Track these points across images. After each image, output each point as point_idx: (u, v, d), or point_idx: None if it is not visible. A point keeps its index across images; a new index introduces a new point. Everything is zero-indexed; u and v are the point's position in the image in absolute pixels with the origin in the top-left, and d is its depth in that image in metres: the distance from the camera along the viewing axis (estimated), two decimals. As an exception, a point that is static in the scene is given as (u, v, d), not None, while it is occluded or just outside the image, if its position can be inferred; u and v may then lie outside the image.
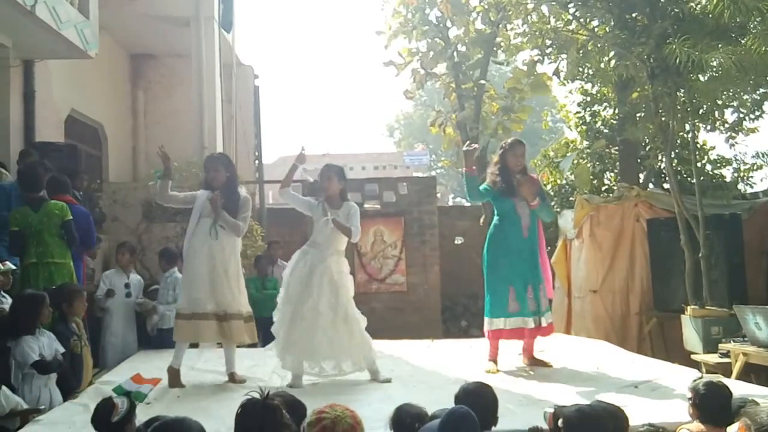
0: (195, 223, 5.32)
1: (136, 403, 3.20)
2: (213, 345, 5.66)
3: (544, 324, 5.62)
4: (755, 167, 10.80)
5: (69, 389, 4.81)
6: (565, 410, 2.79)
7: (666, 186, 9.58)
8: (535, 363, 5.70)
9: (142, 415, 3.39)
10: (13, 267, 5.08)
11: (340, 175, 5.49)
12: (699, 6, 7.49)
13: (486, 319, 5.67)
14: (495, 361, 5.59)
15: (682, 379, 5.09)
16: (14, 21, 6.52)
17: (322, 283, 5.25)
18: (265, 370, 5.70)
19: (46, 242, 5.57)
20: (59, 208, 5.72)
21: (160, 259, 7.21)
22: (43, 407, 4.45)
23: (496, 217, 5.71)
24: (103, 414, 3.06)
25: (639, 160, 10.80)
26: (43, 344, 4.67)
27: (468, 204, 13.47)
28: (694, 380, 3.22)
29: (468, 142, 6.27)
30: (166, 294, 6.90)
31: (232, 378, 5.33)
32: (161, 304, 6.90)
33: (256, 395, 2.44)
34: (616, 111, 10.92)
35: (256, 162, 12.35)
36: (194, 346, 5.66)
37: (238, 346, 5.52)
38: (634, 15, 8.35)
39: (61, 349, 4.82)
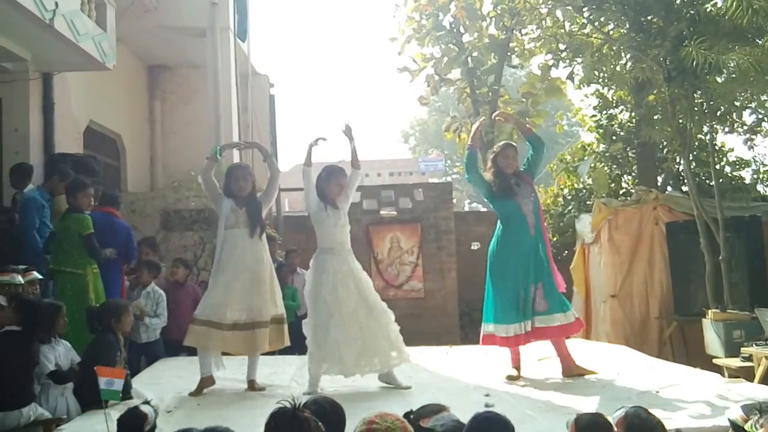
0: (222, 236, 5.36)
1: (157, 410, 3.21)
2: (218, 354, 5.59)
3: (567, 321, 5.45)
4: (774, 169, 10.71)
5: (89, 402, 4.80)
6: (629, 412, 2.76)
7: (684, 189, 9.52)
8: (577, 372, 5.48)
9: (162, 423, 3.41)
10: (40, 276, 5.15)
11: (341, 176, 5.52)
12: (715, 7, 7.44)
13: (497, 326, 5.46)
14: (518, 368, 5.53)
15: (704, 383, 5.04)
16: (33, 34, 6.61)
17: (349, 284, 5.28)
18: (283, 377, 5.71)
19: (64, 250, 5.79)
20: (78, 220, 5.86)
21: (145, 270, 6.87)
22: (65, 417, 4.49)
23: (500, 222, 5.67)
24: (130, 424, 3.05)
25: (657, 163, 10.73)
26: (59, 354, 4.69)
27: (484, 209, 13.45)
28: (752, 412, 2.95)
29: (481, 119, 6.31)
30: (160, 309, 6.74)
31: (252, 386, 5.34)
32: (151, 316, 6.73)
33: (287, 405, 2.41)
34: (633, 114, 10.86)
35: (272, 170, 12.39)
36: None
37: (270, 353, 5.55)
38: (649, 17, 8.31)
39: (77, 359, 4.85)
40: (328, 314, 5.22)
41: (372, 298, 5.37)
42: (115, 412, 3.54)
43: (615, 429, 2.76)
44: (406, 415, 2.81)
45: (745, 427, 2.80)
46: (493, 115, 6.31)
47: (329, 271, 5.28)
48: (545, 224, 5.80)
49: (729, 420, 2.98)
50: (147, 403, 3.37)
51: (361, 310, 5.27)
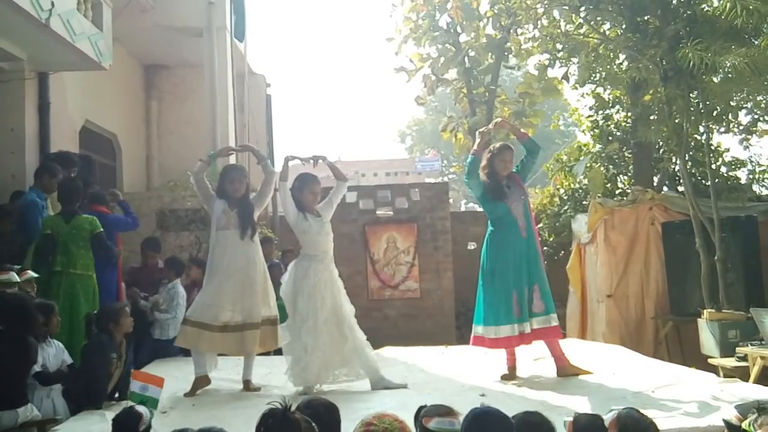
0: (214, 237, 5.39)
1: (152, 411, 3.22)
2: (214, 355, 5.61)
3: (553, 324, 5.52)
4: (770, 169, 10.73)
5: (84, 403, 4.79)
6: (621, 414, 2.76)
7: (680, 189, 9.53)
8: (572, 372, 5.50)
9: (157, 424, 3.40)
10: (35, 275, 5.15)
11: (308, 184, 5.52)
12: (711, 7, 7.45)
13: (487, 328, 5.48)
14: (513, 368, 5.54)
15: (699, 383, 5.05)
16: (29, 34, 6.59)
17: (325, 293, 5.32)
18: (280, 378, 5.69)
19: (71, 252, 5.82)
20: (89, 222, 5.97)
21: (168, 268, 7.11)
22: (59, 417, 4.48)
23: (490, 225, 5.68)
24: (125, 424, 3.04)
25: (653, 163, 10.75)
26: (49, 355, 4.67)
27: (481, 209, 13.47)
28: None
29: (486, 128, 6.32)
30: (170, 305, 6.84)
31: (247, 386, 5.35)
32: (164, 312, 6.84)
33: (278, 405, 2.41)
34: (629, 114, 10.88)
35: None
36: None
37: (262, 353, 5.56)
38: (645, 18, 8.32)
39: (69, 360, 4.83)
40: (302, 320, 5.26)
41: (343, 311, 5.40)
42: (110, 413, 3.55)
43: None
44: (419, 409, 2.83)
45: (743, 426, 2.80)
46: (491, 123, 6.33)
47: (310, 277, 5.31)
48: (536, 226, 5.80)
49: (723, 420, 2.99)
50: (143, 403, 3.37)
51: (331, 322, 5.31)
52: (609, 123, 11.43)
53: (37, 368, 4.51)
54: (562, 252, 10.70)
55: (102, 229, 6.02)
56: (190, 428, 2.79)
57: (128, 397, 4.09)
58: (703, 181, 9.48)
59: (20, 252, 5.79)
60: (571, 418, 2.87)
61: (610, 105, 11.45)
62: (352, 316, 5.46)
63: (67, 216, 5.95)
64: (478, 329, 5.58)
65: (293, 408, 2.45)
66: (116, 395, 4.79)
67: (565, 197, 11.61)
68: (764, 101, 9.17)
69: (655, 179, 10.70)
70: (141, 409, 3.09)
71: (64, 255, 5.81)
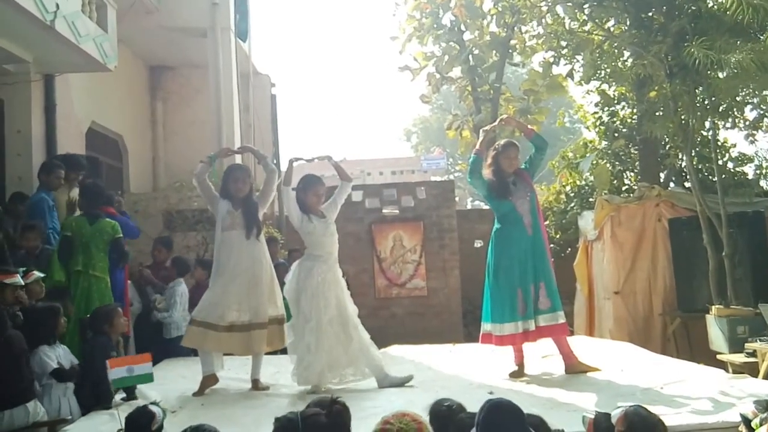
0: (219, 237, 5.38)
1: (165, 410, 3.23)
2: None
3: (560, 321, 5.51)
4: (777, 164, 10.68)
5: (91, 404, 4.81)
6: (628, 411, 2.75)
7: (687, 185, 9.50)
8: (580, 369, 5.49)
9: (167, 423, 3.41)
10: (41, 275, 5.18)
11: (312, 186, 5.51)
12: (716, 3, 7.43)
13: (494, 325, 5.49)
14: (521, 365, 5.54)
15: (708, 379, 5.04)
16: (34, 36, 6.62)
17: (330, 294, 5.32)
18: (288, 377, 5.70)
19: (92, 254, 5.92)
20: (111, 226, 6.08)
21: (171, 267, 7.22)
22: (69, 417, 4.50)
23: (497, 221, 5.67)
24: (138, 423, 3.06)
25: (659, 159, 10.72)
26: (60, 354, 4.72)
27: (487, 207, 13.44)
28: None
29: (491, 126, 6.35)
30: (168, 303, 6.89)
31: (256, 385, 5.36)
32: (162, 311, 6.90)
33: (291, 415, 2.39)
34: (635, 110, 10.85)
35: (274, 170, 12.40)
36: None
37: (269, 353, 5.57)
38: (650, 14, 8.31)
39: (75, 361, 4.86)
40: (305, 320, 5.27)
41: (347, 312, 5.40)
42: (122, 412, 3.56)
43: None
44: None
45: (751, 424, 2.81)
46: (497, 120, 6.34)
47: (315, 277, 5.31)
48: (544, 223, 5.79)
49: (740, 415, 2.99)
50: (155, 403, 3.39)
51: (336, 322, 5.31)
52: (614, 119, 11.40)
53: (54, 365, 4.55)
54: (569, 249, 10.68)
55: (122, 235, 6.12)
56: (207, 424, 2.80)
57: (114, 385, 4.01)
58: (710, 177, 9.45)
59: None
60: (591, 416, 2.86)
61: (616, 101, 11.42)
62: (356, 316, 5.47)
63: (91, 218, 6.03)
64: (486, 326, 5.59)
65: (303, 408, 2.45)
66: (123, 396, 4.81)
67: (572, 194, 11.59)
68: (770, 96, 9.12)
69: (662, 175, 10.67)
70: (154, 408, 3.11)
71: (85, 256, 5.88)
